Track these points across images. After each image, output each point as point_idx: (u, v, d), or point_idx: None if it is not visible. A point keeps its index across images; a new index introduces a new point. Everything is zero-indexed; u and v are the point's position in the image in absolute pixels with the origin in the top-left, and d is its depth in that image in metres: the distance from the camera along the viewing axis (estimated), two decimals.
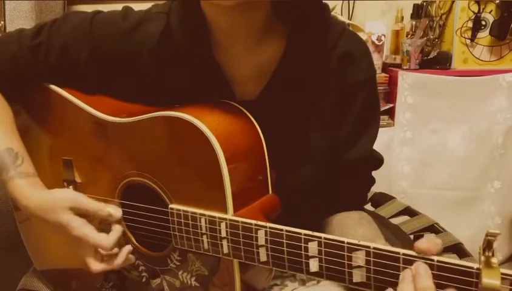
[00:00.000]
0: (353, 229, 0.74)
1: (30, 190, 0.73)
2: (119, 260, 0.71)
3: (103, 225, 0.71)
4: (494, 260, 0.46)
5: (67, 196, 0.72)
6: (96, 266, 0.70)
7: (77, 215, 0.70)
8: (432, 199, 1.77)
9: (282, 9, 0.69)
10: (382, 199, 1.38)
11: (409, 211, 1.30)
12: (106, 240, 0.68)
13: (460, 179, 1.77)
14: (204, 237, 0.66)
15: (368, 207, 1.31)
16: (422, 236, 1.21)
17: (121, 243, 0.71)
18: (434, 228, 1.20)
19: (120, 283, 0.81)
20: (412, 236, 1.19)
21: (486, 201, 1.79)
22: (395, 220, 1.27)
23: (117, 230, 0.70)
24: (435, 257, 0.50)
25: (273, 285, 0.80)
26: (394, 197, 1.39)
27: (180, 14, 0.71)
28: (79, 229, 0.68)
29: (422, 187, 1.78)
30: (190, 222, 0.66)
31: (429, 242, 0.50)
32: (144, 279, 0.77)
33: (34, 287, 0.90)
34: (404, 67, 1.73)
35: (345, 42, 0.74)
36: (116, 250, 0.70)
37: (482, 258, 0.46)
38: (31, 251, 0.93)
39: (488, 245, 0.46)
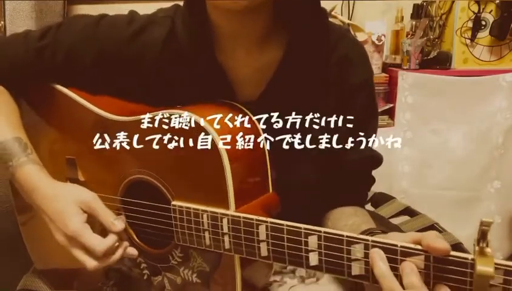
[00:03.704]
0: (345, 221, 0.75)
1: (41, 176, 0.73)
2: (116, 256, 0.70)
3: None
4: (488, 250, 0.47)
5: (83, 191, 0.72)
6: (90, 264, 0.69)
7: (84, 212, 0.70)
8: (432, 199, 1.77)
9: (283, 14, 0.71)
10: (382, 199, 1.38)
11: (409, 211, 1.30)
12: (99, 244, 0.68)
13: (460, 179, 1.77)
14: (206, 233, 0.66)
15: (368, 207, 1.31)
16: None
17: (120, 238, 0.71)
18: (434, 228, 1.19)
19: (121, 281, 0.81)
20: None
21: (486, 201, 1.79)
22: (395, 220, 1.27)
23: (112, 237, 0.70)
24: None
25: (272, 281, 0.80)
26: (394, 197, 1.39)
27: (185, 18, 0.73)
28: (76, 225, 0.68)
29: (422, 187, 1.78)
30: (192, 218, 0.67)
31: (440, 243, 0.49)
32: (145, 277, 0.78)
33: (34, 287, 0.90)
34: (404, 67, 1.73)
35: (343, 45, 0.76)
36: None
37: (476, 248, 0.47)
38: (31, 251, 0.93)
39: (482, 236, 0.47)
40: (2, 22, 1.53)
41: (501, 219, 1.80)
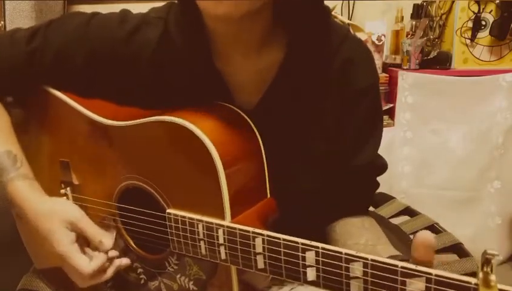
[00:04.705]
0: (357, 238, 0.73)
1: (30, 193, 0.73)
2: (106, 275, 0.71)
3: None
4: (493, 277, 0.45)
5: (70, 210, 0.72)
6: (81, 283, 0.70)
7: (72, 231, 0.70)
8: (432, 199, 1.77)
9: (283, 16, 0.68)
10: (382, 199, 1.37)
11: (409, 211, 1.30)
12: (86, 266, 0.68)
13: (460, 179, 1.77)
14: (202, 243, 0.65)
15: None
16: None
17: (111, 258, 0.72)
18: (434, 228, 1.19)
19: (118, 284, 0.81)
20: (412, 236, 1.18)
21: (486, 201, 1.79)
22: (395, 220, 1.27)
23: (100, 258, 0.70)
24: (433, 271, 0.48)
25: (271, 284, 0.79)
26: (394, 197, 1.39)
27: (179, 21, 0.69)
28: (65, 247, 0.69)
29: (422, 187, 1.78)
30: (187, 227, 0.66)
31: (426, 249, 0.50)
32: (142, 281, 0.77)
33: (34, 287, 0.90)
34: (404, 67, 1.73)
35: (347, 47, 0.72)
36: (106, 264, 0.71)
37: (480, 274, 0.45)
38: (30, 252, 0.93)
39: (486, 261, 0.45)
40: (2, 22, 1.53)
41: (501, 219, 1.80)
